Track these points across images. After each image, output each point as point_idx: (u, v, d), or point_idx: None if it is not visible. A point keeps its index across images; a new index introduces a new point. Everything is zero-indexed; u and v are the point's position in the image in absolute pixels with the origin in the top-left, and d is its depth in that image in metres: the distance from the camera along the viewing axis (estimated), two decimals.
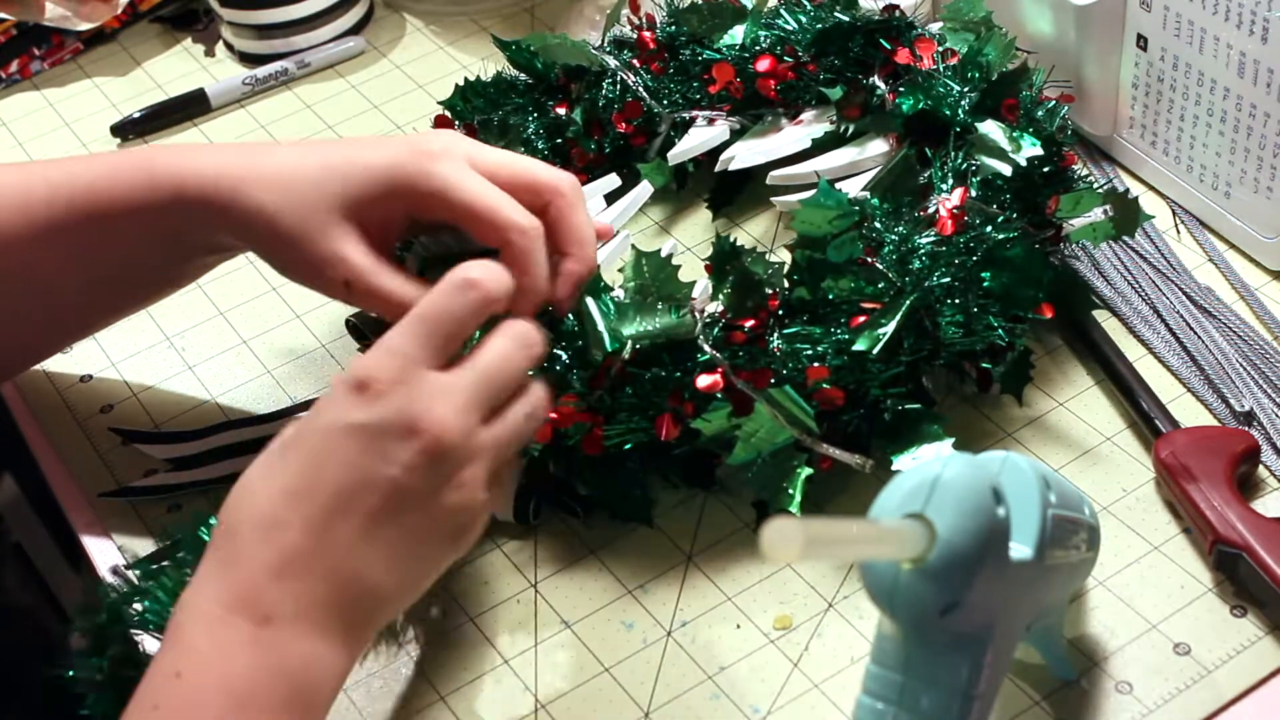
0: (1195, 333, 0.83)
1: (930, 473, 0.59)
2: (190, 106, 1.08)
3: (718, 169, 0.91)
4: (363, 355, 0.63)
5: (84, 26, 1.11)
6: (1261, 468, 0.76)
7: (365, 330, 0.86)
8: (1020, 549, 0.61)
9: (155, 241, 0.76)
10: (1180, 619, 0.71)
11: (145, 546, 0.80)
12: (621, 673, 0.72)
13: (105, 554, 0.80)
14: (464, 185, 0.71)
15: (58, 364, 0.90)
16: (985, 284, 0.76)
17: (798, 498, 0.73)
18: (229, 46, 1.14)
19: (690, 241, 0.93)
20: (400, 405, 0.61)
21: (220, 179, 0.73)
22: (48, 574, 1.16)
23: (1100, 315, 0.84)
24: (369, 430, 0.61)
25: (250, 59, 1.12)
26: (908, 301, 0.73)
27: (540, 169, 0.74)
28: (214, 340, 0.91)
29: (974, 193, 0.79)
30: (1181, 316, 0.84)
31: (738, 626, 0.73)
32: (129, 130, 1.06)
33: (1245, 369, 0.81)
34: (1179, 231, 0.90)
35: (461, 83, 0.93)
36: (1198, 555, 0.74)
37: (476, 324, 0.65)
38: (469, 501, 0.63)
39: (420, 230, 0.76)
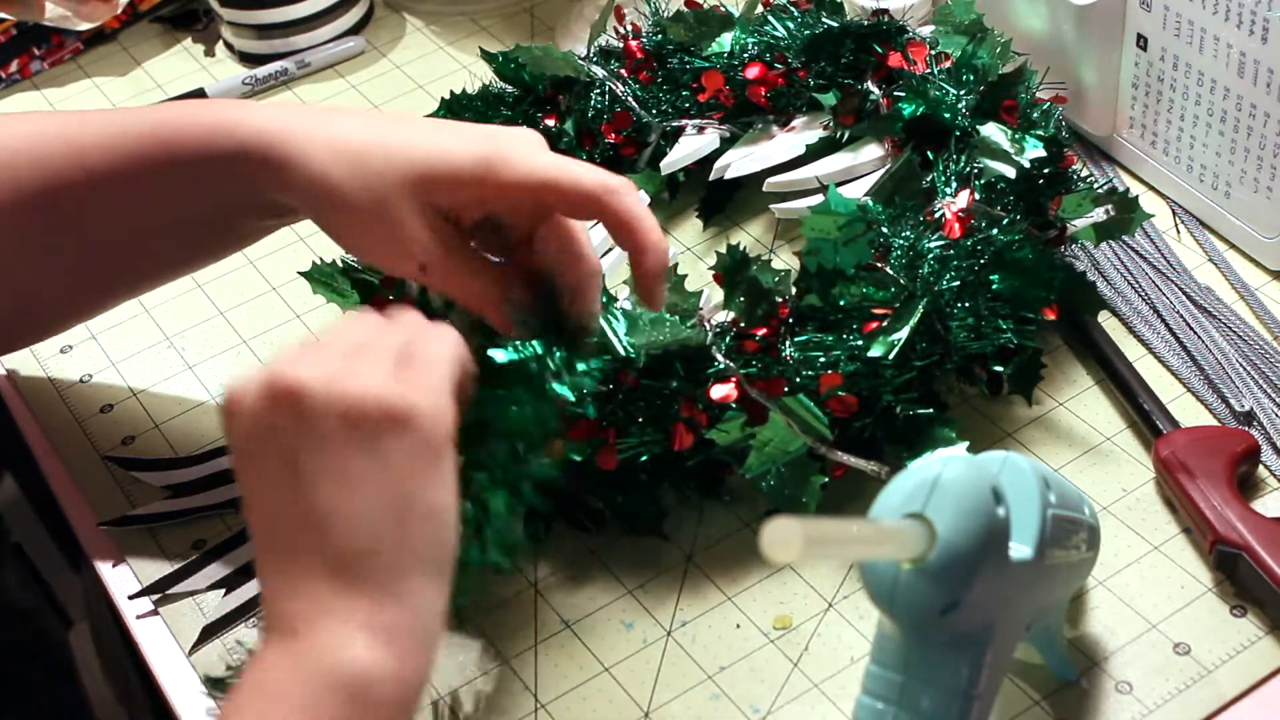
0: (1195, 333, 0.83)
1: (930, 473, 0.59)
2: None
3: (712, 177, 0.91)
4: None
5: (84, 26, 1.11)
6: (1261, 468, 0.76)
7: None
8: (1020, 549, 0.61)
9: (212, 196, 0.74)
10: (1180, 619, 0.71)
11: (146, 547, 0.80)
12: (621, 673, 0.72)
13: (106, 554, 0.80)
14: (544, 165, 0.69)
15: (58, 364, 0.90)
16: (995, 286, 0.76)
17: (813, 507, 0.73)
18: (229, 46, 1.14)
19: (684, 252, 0.93)
20: (245, 392, 0.60)
21: (284, 138, 0.70)
22: (48, 574, 1.16)
23: (1100, 315, 0.84)
24: (243, 432, 0.60)
25: (250, 59, 1.12)
26: (920, 306, 0.73)
27: (585, 174, 0.70)
28: (214, 340, 0.91)
29: (978, 195, 0.79)
30: (1181, 316, 0.84)
31: (738, 626, 0.73)
32: None
33: (1245, 369, 0.81)
34: (1179, 231, 0.90)
35: (448, 95, 0.93)
36: (1198, 555, 0.74)
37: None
38: (360, 408, 0.59)
39: (488, 245, 0.73)
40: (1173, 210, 0.91)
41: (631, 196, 0.70)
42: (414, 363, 0.61)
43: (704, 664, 0.72)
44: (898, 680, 0.60)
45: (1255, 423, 0.78)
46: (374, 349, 0.62)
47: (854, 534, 0.57)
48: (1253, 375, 0.81)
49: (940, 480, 0.58)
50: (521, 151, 0.69)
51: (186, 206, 0.75)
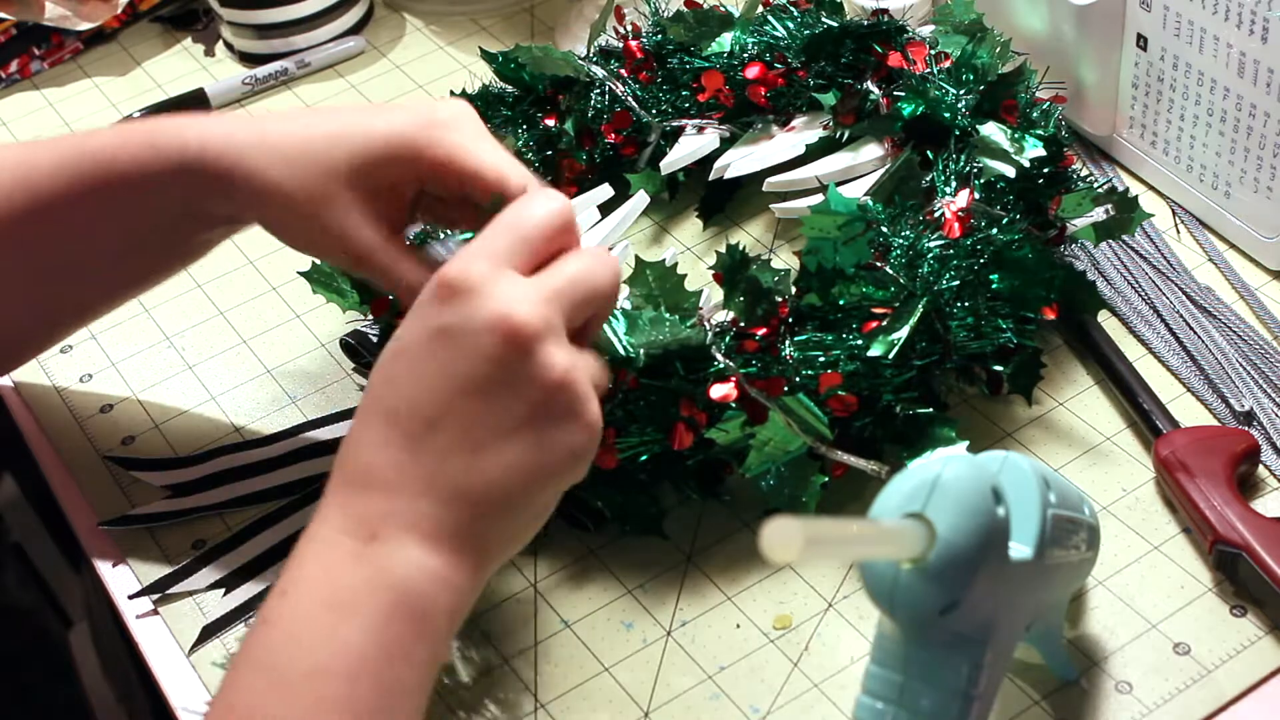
0: (1195, 332, 0.83)
1: (930, 473, 0.59)
2: (190, 106, 1.08)
3: (712, 177, 0.91)
4: (448, 264, 0.62)
5: (84, 26, 1.11)
6: (1261, 468, 0.76)
7: (363, 350, 0.86)
8: (1020, 549, 0.61)
9: (160, 212, 0.74)
10: (1180, 619, 0.71)
11: (146, 547, 0.80)
12: (621, 673, 0.72)
13: (106, 554, 0.80)
14: (473, 151, 0.70)
15: (58, 364, 0.90)
16: (994, 286, 0.76)
17: (813, 507, 0.73)
18: (229, 46, 1.14)
19: (683, 252, 0.93)
20: (480, 302, 0.60)
21: (226, 147, 0.71)
22: (48, 574, 1.17)
23: (1100, 315, 0.84)
24: (452, 331, 0.60)
25: (250, 59, 1.12)
26: (920, 305, 0.73)
27: (511, 174, 0.70)
28: (214, 340, 0.91)
29: (978, 195, 0.79)
30: (1181, 316, 0.84)
31: (737, 626, 0.73)
32: None
33: (1245, 369, 0.81)
34: (1179, 231, 0.90)
35: (448, 95, 0.93)
36: (1198, 555, 0.74)
37: (561, 239, 0.64)
38: (577, 399, 0.61)
39: (433, 212, 0.74)
40: (1173, 210, 0.91)
41: (546, 205, 0.68)
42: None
43: (704, 664, 0.72)
44: (898, 680, 0.60)
45: (1255, 423, 0.78)
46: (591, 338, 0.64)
47: (854, 534, 0.57)
48: (1253, 375, 0.81)
49: (940, 480, 0.58)
50: (452, 132, 0.70)
51: (133, 225, 0.76)
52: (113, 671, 1.04)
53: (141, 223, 0.75)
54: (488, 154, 0.70)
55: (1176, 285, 0.86)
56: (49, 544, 1.13)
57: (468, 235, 0.73)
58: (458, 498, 0.60)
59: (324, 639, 0.58)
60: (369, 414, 0.62)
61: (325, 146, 0.70)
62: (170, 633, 0.76)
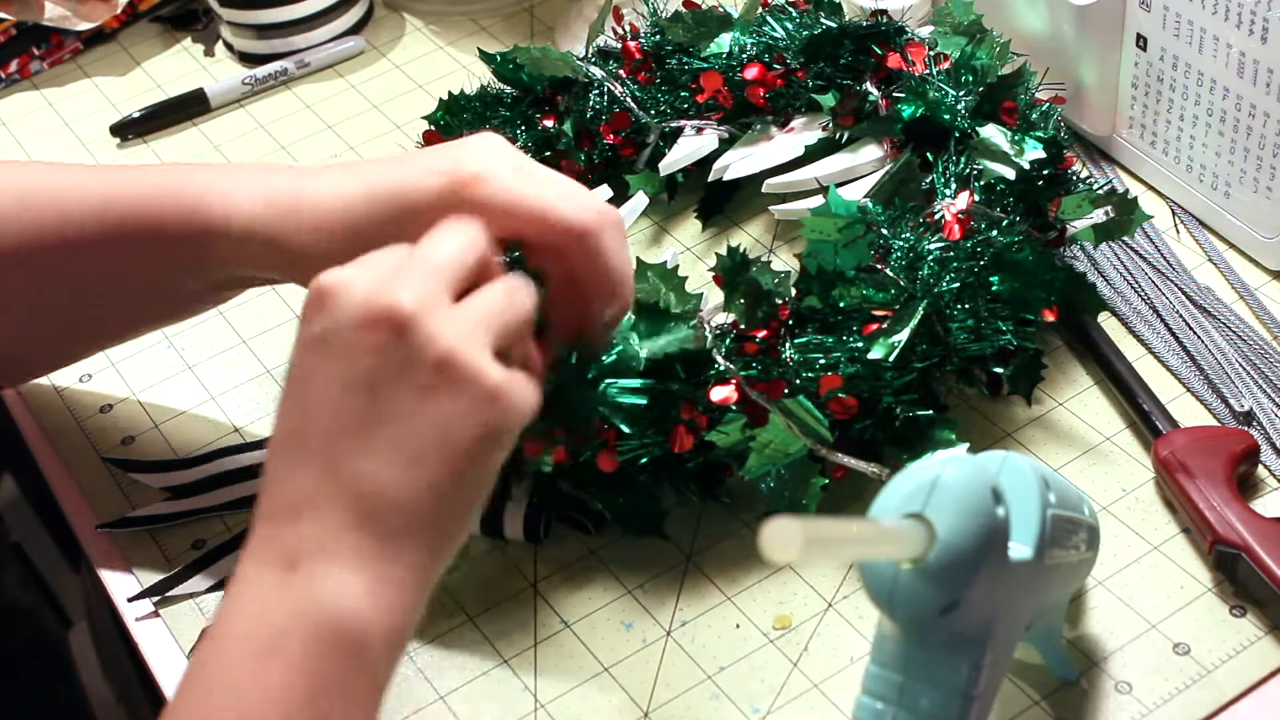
0: (1195, 333, 0.83)
1: (930, 473, 0.59)
2: (190, 106, 1.08)
3: (711, 178, 0.91)
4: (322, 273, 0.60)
5: (84, 26, 1.11)
6: (1261, 468, 0.76)
7: None
8: (1020, 549, 0.61)
9: (194, 274, 0.75)
10: (1180, 619, 0.71)
11: (146, 547, 0.80)
12: (621, 673, 0.72)
13: (105, 555, 0.80)
14: (504, 206, 0.67)
15: None
16: (994, 288, 0.76)
17: (813, 509, 0.73)
18: (229, 46, 1.14)
19: (682, 253, 0.93)
20: (345, 300, 0.58)
21: (258, 219, 0.71)
22: (48, 574, 1.17)
23: (1100, 315, 0.84)
24: (325, 337, 0.59)
25: (250, 59, 1.12)
26: (921, 308, 0.73)
27: (565, 209, 0.67)
28: (214, 340, 0.91)
29: (977, 197, 0.79)
30: (1181, 316, 0.84)
31: (737, 626, 0.73)
32: (129, 130, 1.06)
33: (1245, 369, 0.81)
34: (1178, 231, 0.90)
35: (446, 96, 0.93)
36: (1197, 555, 0.74)
37: (473, 274, 0.62)
38: (467, 369, 0.58)
39: None
40: (1172, 210, 0.91)
41: (613, 239, 0.68)
42: (514, 339, 0.62)
43: (704, 664, 0.72)
44: (897, 680, 0.60)
45: (1255, 423, 0.78)
46: (489, 306, 0.61)
47: (854, 534, 0.57)
48: (1252, 375, 0.81)
49: (940, 480, 0.58)
50: (493, 172, 0.68)
51: (165, 279, 0.75)
52: (113, 671, 1.04)
53: (174, 276, 0.75)
54: (523, 204, 0.67)
55: (1176, 285, 0.86)
56: (49, 544, 1.13)
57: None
58: (368, 502, 0.58)
59: (253, 681, 0.56)
60: (275, 444, 0.60)
61: (357, 209, 0.69)
62: (170, 633, 0.76)
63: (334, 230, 0.70)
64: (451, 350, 0.58)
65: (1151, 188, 0.93)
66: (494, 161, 0.68)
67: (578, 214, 0.67)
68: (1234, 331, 0.83)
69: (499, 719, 0.71)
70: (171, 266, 0.75)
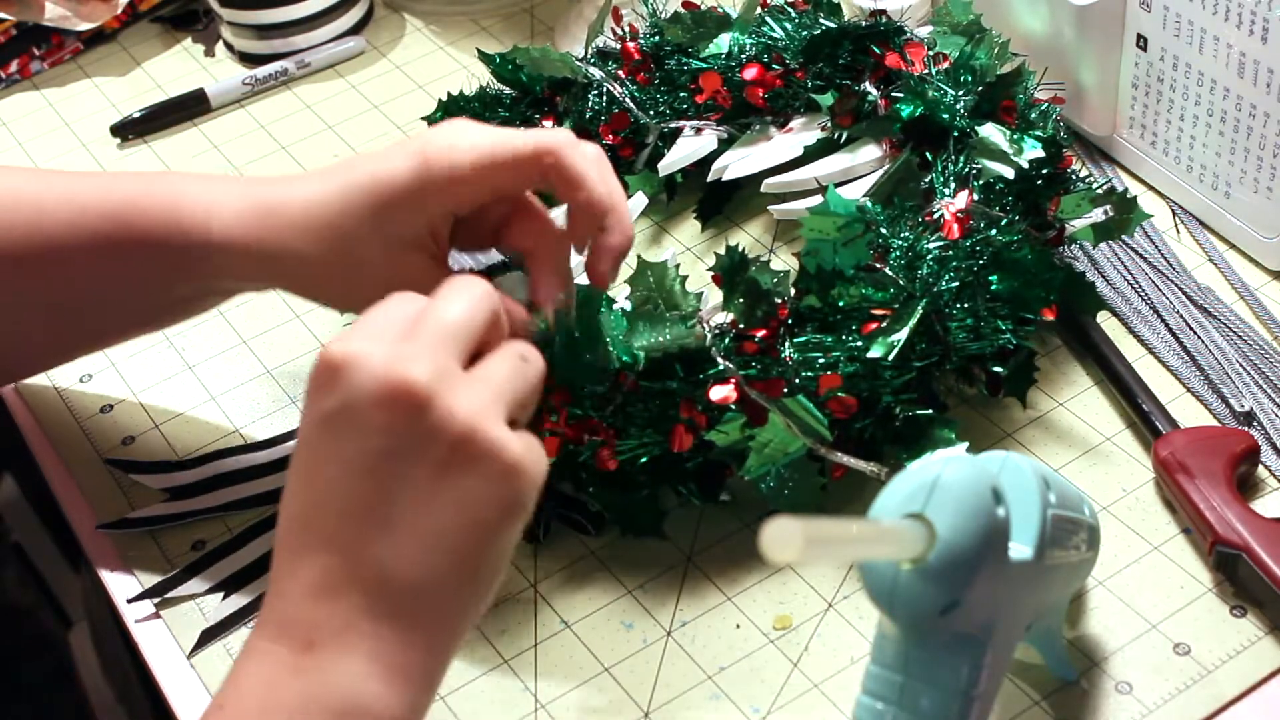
0: (1195, 333, 0.83)
1: (930, 473, 0.59)
2: (190, 106, 1.08)
3: (710, 179, 0.91)
4: (323, 347, 0.59)
5: (84, 26, 1.11)
6: (1261, 468, 0.76)
7: None
8: (1020, 549, 0.61)
9: (172, 282, 0.75)
10: (1180, 619, 0.71)
11: (146, 548, 0.80)
12: (621, 673, 0.72)
13: (106, 555, 0.80)
14: (471, 143, 0.69)
15: None
16: (994, 287, 0.76)
17: (812, 508, 0.73)
18: (229, 46, 1.14)
19: (681, 253, 0.93)
20: (357, 377, 0.56)
21: (239, 221, 0.71)
22: (48, 574, 1.16)
23: (1100, 315, 0.84)
24: (336, 416, 0.57)
25: (250, 59, 1.12)
26: (920, 307, 0.73)
27: (518, 137, 0.69)
28: (214, 340, 0.91)
29: (976, 196, 0.79)
30: (1181, 316, 0.84)
31: (738, 626, 0.73)
32: (129, 130, 1.06)
33: (1245, 369, 0.81)
34: (1179, 231, 0.90)
35: (445, 97, 0.93)
36: (1197, 555, 0.74)
37: (458, 326, 0.60)
38: (486, 446, 0.56)
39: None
40: (1172, 210, 0.91)
41: (573, 152, 0.69)
42: (527, 406, 0.60)
43: (704, 664, 0.72)
44: (898, 680, 0.60)
45: (1255, 423, 0.78)
46: (502, 375, 0.59)
47: (854, 534, 0.57)
48: (1253, 375, 0.81)
49: (940, 480, 0.58)
50: (453, 140, 0.69)
51: (147, 286, 0.76)
52: (113, 671, 1.04)
53: (156, 287, 0.76)
54: (488, 152, 0.69)
55: (1176, 285, 0.86)
56: (49, 544, 1.13)
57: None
58: (387, 588, 0.56)
59: None
60: (286, 521, 0.58)
61: (333, 206, 0.70)
62: (171, 634, 0.76)
63: (312, 229, 0.70)
64: (470, 428, 0.57)
65: (1151, 188, 0.93)
66: (460, 133, 0.70)
67: (537, 137, 0.69)
68: (1234, 331, 0.83)
69: (499, 719, 0.71)
70: (152, 275, 0.75)
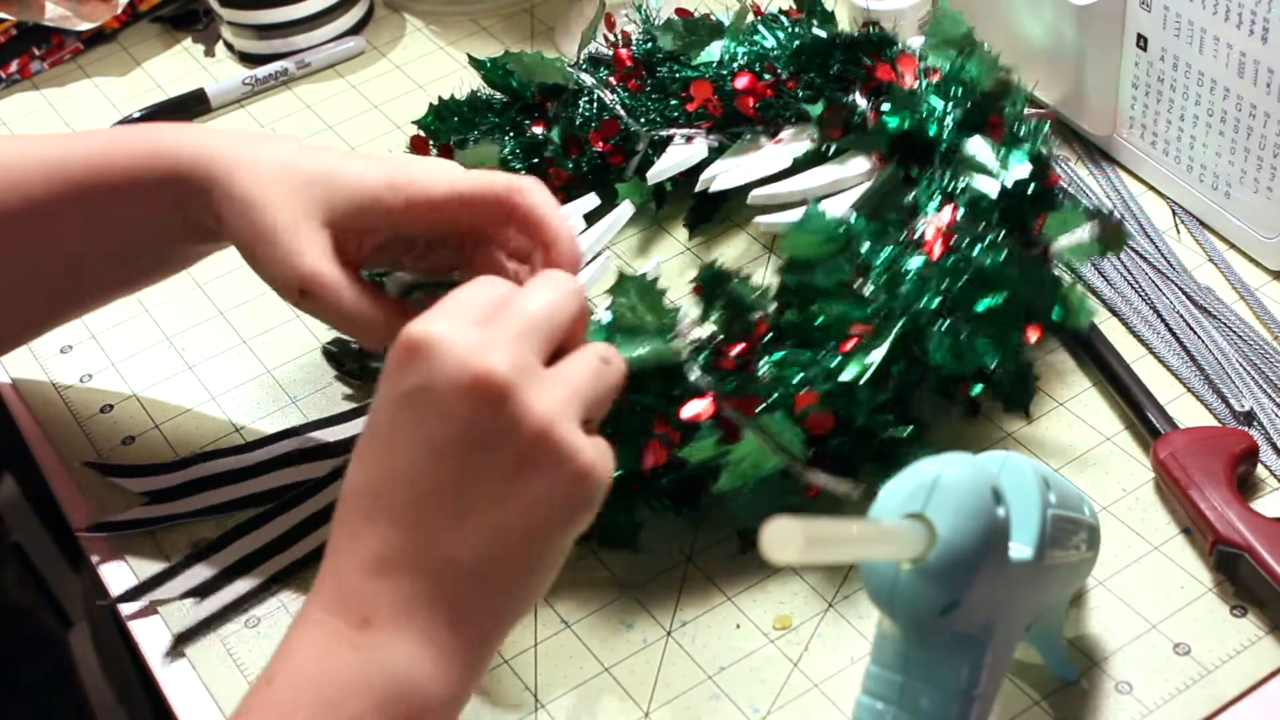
0: (1195, 333, 0.83)
1: (930, 473, 0.59)
2: (190, 106, 1.08)
3: (698, 189, 0.90)
4: (409, 325, 0.59)
5: (84, 26, 1.11)
6: (1261, 468, 0.76)
7: (342, 358, 0.86)
8: (1020, 549, 0.61)
9: (144, 222, 0.74)
10: (1180, 619, 0.71)
11: (146, 548, 0.80)
12: (621, 673, 0.72)
13: (105, 555, 0.80)
14: (443, 175, 0.70)
15: (58, 364, 0.90)
16: (976, 307, 0.75)
17: None
18: (229, 46, 1.14)
19: (669, 261, 0.92)
20: (441, 359, 0.57)
21: (215, 162, 0.71)
22: (48, 574, 1.17)
23: (1099, 316, 0.84)
24: (416, 394, 0.57)
25: (250, 59, 1.12)
26: (896, 327, 0.73)
27: (488, 176, 0.70)
28: (214, 340, 0.91)
29: (961, 211, 0.78)
30: (1181, 317, 0.84)
31: (738, 626, 0.73)
32: None
33: (1245, 369, 0.81)
34: (1179, 231, 0.90)
35: (436, 101, 0.93)
36: (1198, 555, 0.74)
37: (566, 330, 0.61)
38: (561, 447, 0.57)
39: (403, 254, 0.74)
40: (1173, 210, 0.91)
41: (539, 194, 0.70)
42: (602, 409, 0.61)
43: (704, 664, 0.72)
44: (898, 680, 0.60)
45: (1255, 423, 0.78)
46: (581, 375, 0.60)
47: (854, 534, 0.57)
48: (1253, 375, 0.81)
49: (940, 480, 0.58)
50: (429, 170, 0.70)
51: (121, 232, 0.75)
52: (113, 671, 1.04)
53: (130, 230, 0.75)
54: (462, 174, 0.70)
55: (1176, 285, 0.86)
56: (49, 544, 1.13)
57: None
58: (448, 574, 0.57)
59: None
60: (352, 493, 0.59)
61: (308, 180, 0.70)
62: (171, 634, 0.76)
63: (283, 190, 0.69)
64: (547, 426, 0.57)
65: (1151, 188, 0.93)
66: (435, 163, 0.72)
67: (507, 176, 0.70)
68: (1234, 331, 0.83)
69: (499, 719, 0.71)
70: (127, 219, 0.74)
